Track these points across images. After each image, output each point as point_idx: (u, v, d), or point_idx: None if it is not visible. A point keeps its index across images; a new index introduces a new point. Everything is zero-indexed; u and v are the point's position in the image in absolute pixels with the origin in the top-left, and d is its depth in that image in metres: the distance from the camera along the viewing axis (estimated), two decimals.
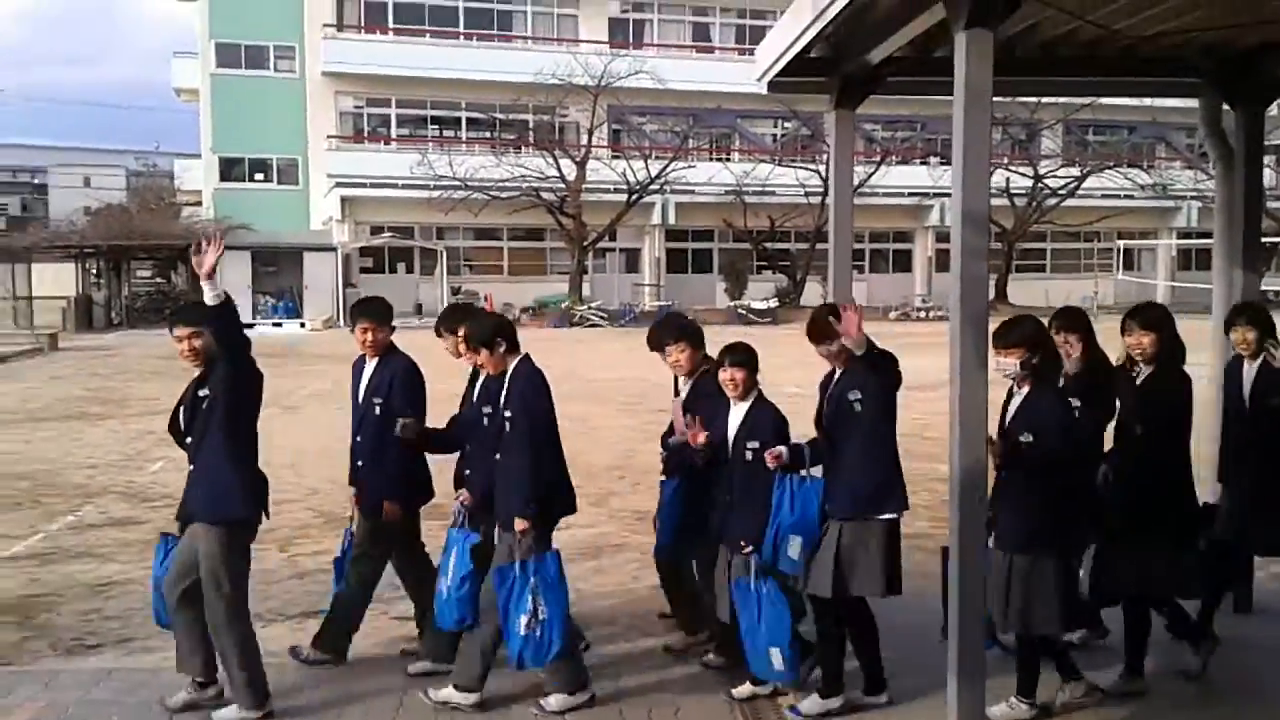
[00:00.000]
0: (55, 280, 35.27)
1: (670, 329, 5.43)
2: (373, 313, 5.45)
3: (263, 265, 33.57)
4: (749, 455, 4.76)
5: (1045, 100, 33.50)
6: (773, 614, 4.62)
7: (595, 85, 33.95)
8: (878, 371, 4.52)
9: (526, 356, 5.05)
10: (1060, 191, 38.41)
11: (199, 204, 38.71)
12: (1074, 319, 5.19)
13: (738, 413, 4.92)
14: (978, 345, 3.77)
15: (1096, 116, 38.91)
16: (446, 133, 38.84)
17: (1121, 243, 41.11)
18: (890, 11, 4.75)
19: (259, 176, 37.68)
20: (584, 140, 35.74)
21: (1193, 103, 6.62)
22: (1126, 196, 40.33)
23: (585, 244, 35.39)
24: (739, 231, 37.88)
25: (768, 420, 4.87)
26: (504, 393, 4.94)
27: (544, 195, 34.36)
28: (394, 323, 5.55)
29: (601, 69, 33.96)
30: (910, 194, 39.25)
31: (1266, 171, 33.20)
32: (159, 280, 38.93)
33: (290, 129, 36.88)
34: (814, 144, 38.49)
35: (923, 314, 36.37)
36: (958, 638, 3.83)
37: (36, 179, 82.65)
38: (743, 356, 4.93)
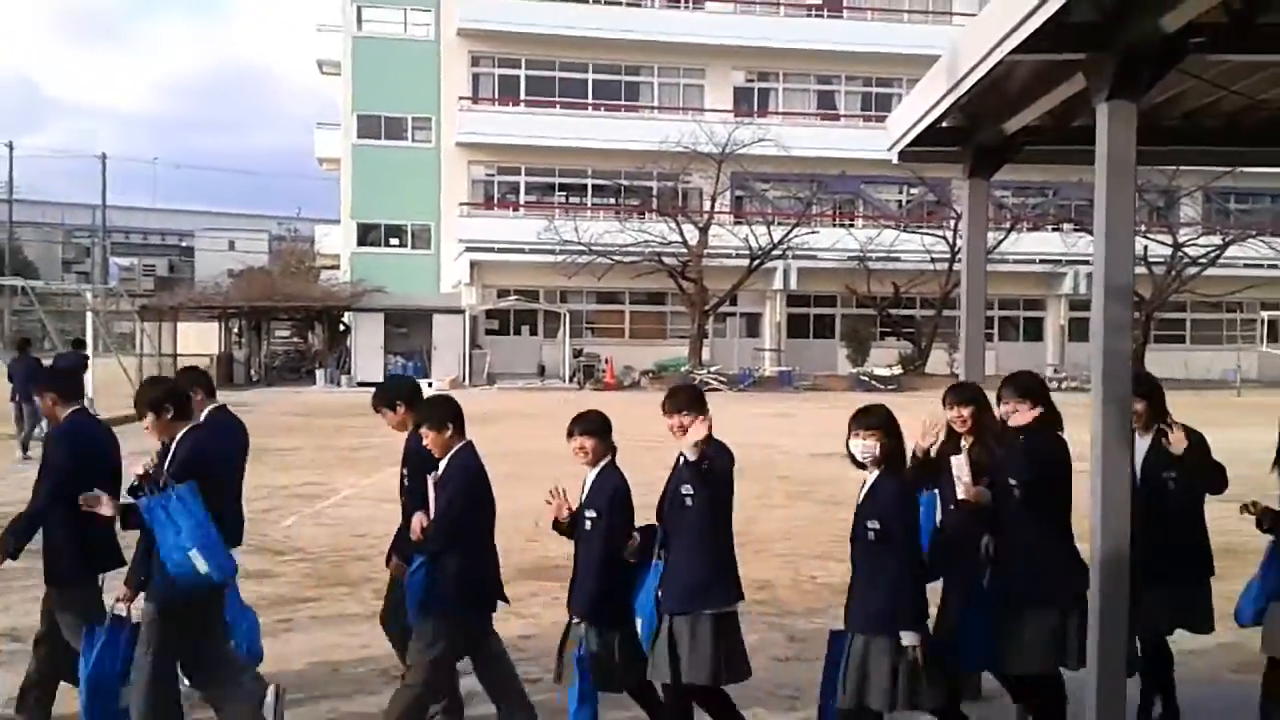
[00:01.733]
0: (199, 339, 37.02)
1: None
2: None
3: (394, 326, 34.62)
4: (587, 524, 4.94)
5: (1185, 167, 32.51)
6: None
7: (719, 152, 34.29)
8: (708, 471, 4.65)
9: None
10: (1200, 260, 37.00)
11: (337, 267, 40.31)
12: (962, 392, 5.05)
13: (587, 481, 5.03)
14: (1122, 423, 3.65)
15: (1238, 183, 37.51)
16: (573, 199, 39.68)
17: (1265, 314, 39.30)
18: (1028, 82, 4.70)
19: (394, 241, 39.10)
20: (707, 206, 36.04)
21: None
22: (1270, 266, 38.54)
23: (706, 308, 35.51)
24: (862, 297, 37.52)
25: (608, 489, 4.98)
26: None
27: (666, 260, 34.67)
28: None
29: (726, 136, 34.30)
30: (1042, 260, 38.34)
31: None
32: (296, 340, 40.54)
33: (424, 196, 38.25)
34: (940, 209, 38.03)
35: (1056, 384, 35.21)
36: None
37: (184, 242, 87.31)
38: (592, 425, 5.05)
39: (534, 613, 7.78)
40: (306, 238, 56.56)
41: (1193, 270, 37.05)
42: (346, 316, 35.91)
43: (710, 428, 4.62)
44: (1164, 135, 5.74)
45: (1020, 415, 4.49)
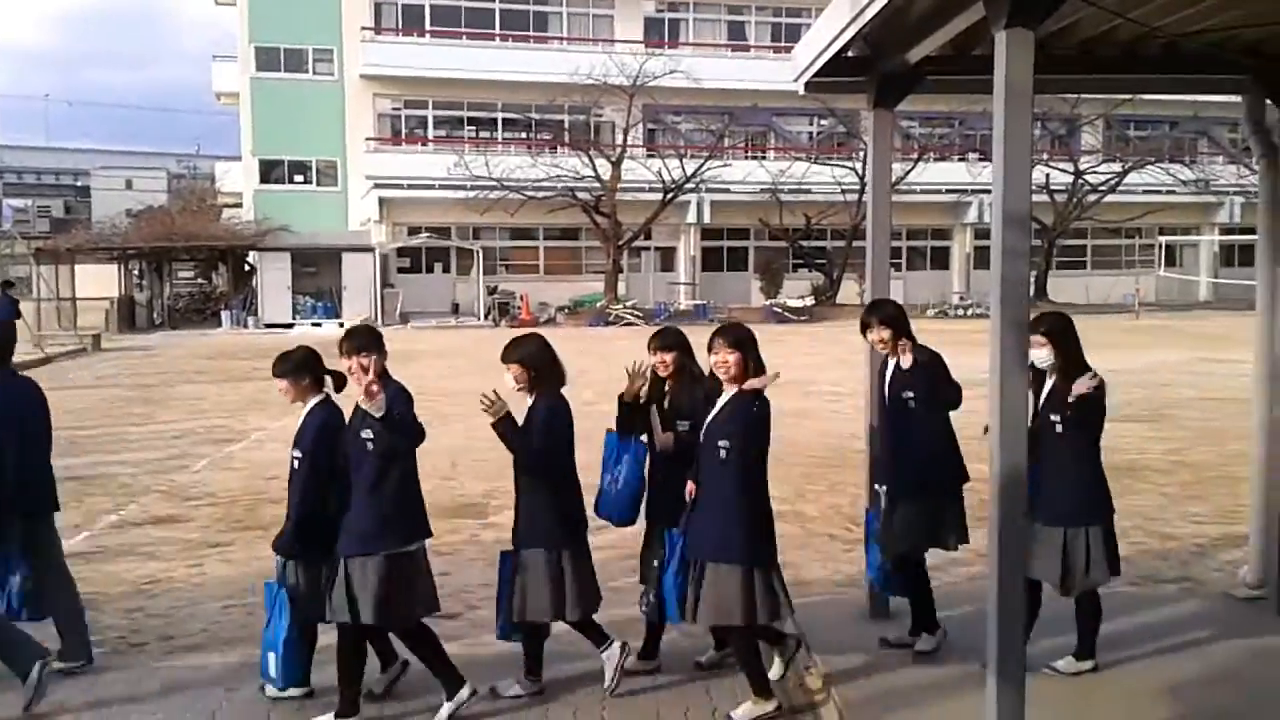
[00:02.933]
0: (98, 281, 35.81)
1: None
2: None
3: (302, 266, 33.88)
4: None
5: (1085, 95, 33.15)
6: None
7: (630, 85, 34.00)
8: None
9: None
10: (1101, 187, 37.96)
11: (239, 205, 39.17)
12: (664, 338, 5.39)
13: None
14: (1018, 347, 3.75)
15: (1137, 111, 38.39)
16: (483, 133, 39.04)
17: (1163, 239, 40.59)
18: (929, 11, 4.72)
19: (298, 178, 38.09)
20: (619, 140, 35.80)
21: (1234, 97, 6.53)
22: (1168, 192, 39.74)
23: (620, 243, 35.44)
24: (774, 230, 37.78)
25: (310, 427, 5.06)
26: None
27: (579, 195, 34.46)
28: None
29: (637, 68, 34.00)
30: (948, 191, 38.98)
31: None
32: (200, 281, 39.44)
33: (329, 131, 37.25)
34: (850, 141, 38.29)
35: (961, 311, 36.06)
36: (998, 641, 3.80)
37: (79, 181, 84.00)
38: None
39: (452, 550, 7.79)
40: (207, 175, 54.70)
41: (1093, 197, 38.04)
42: (251, 256, 35.03)
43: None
44: (1062, 64, 5.82)
45: (730, 366, 4.75)
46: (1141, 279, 38.40)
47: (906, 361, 5.26)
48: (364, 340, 4.87)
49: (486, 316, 34.38)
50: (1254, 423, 6.13)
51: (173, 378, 20.12)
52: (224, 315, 33.60)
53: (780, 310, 34.20)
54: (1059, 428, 4.94)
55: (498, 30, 38.56)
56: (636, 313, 33.57)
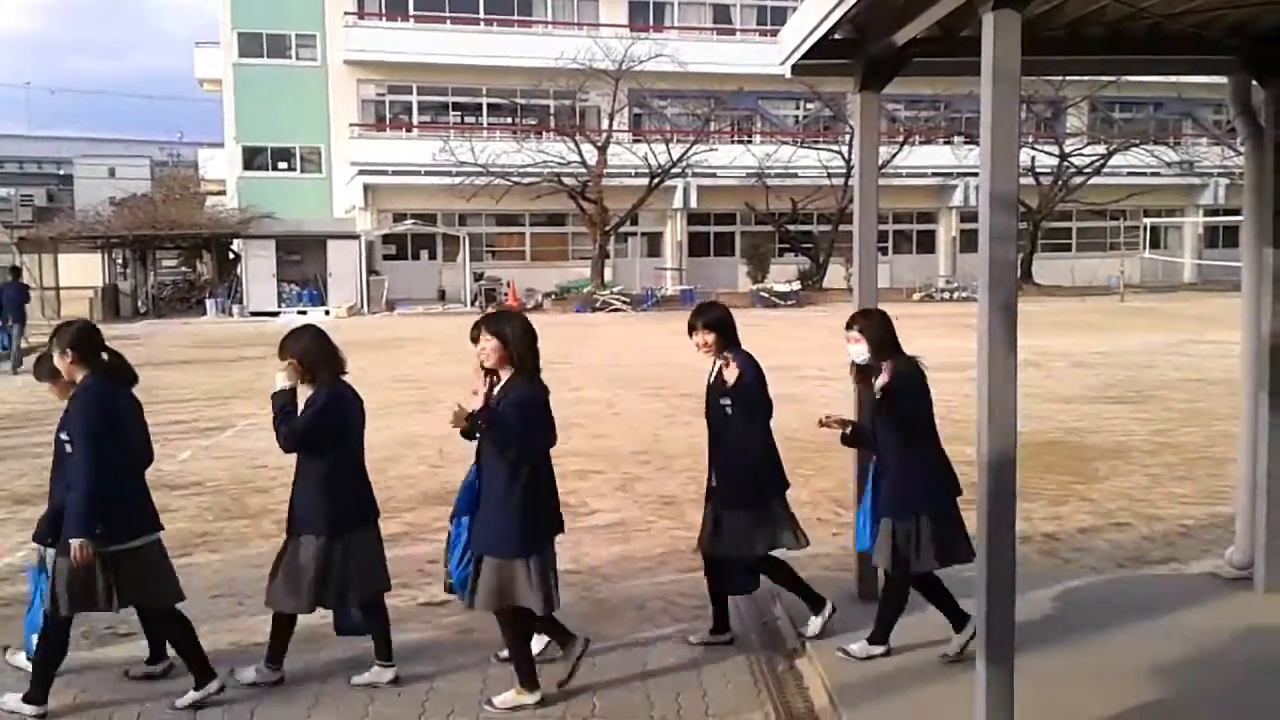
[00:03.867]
0: (82, 270, 35.61)
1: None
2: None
3: (287, 254, 33.74)
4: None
5: (1070, 77, 33.18)
6: None
7: (616, 69, 33.89)
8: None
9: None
10: (1086, 170, 38.04)
11: (223, 193, 38.93)
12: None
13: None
14: (1007, 330, 3.74)
15: (1122, 93, 38.47)
16: (468, 119, 38.89)
17: (1148, 220, 40.69)
18: None
19: (282, 165, 37.87)
20: (605, 124, 35.69)
21: (1220, 79, 6.52)
22: (1153, 174, 39.84)
23: (607, 229, 35.38)
24: (761, 214, 37.75)
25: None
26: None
27: (565, 180, 34.36)
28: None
29: (622, 52, 33.88)
30: (934, 174, 39.01)
31: None
32: (184, 269, 39.23)
33: (313, 117, 37.03)
34: (836, 125, 38.25)
35: (947, 295, 36.15)
36: (987, 627, 3.81)
37: (62, 170, 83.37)
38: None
39: (441, 537, 7.76)
40: (190, 163, 54.35)
41: (1078, 180, 38.11)
42: (236, 244, 34.84)
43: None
44: (1049, 45, 5.81)
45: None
46: (1126, 261, 38.51)
47: (730, 375, 5.24)
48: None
49: (473, 303, 34.28)
50: (1241, 404, 6.15)
51: (157, 367, 19.99)
52: (209, 304, 33.46)
53: (767, 295, 34.21)
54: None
55: (482, 14, 38.35)
56: (623, 298, 33.55)
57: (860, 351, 5.09)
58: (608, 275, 35.96)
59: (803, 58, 5.79)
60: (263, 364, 19.36)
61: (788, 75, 6.28)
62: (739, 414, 5.27)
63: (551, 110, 37.65)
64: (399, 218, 36.57)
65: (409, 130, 38.55)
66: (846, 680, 4.85)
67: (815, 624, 5.41)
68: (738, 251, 40.04)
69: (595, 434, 11.88)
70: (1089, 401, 13.64)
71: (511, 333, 4.88)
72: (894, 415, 4.99)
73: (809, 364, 17.95)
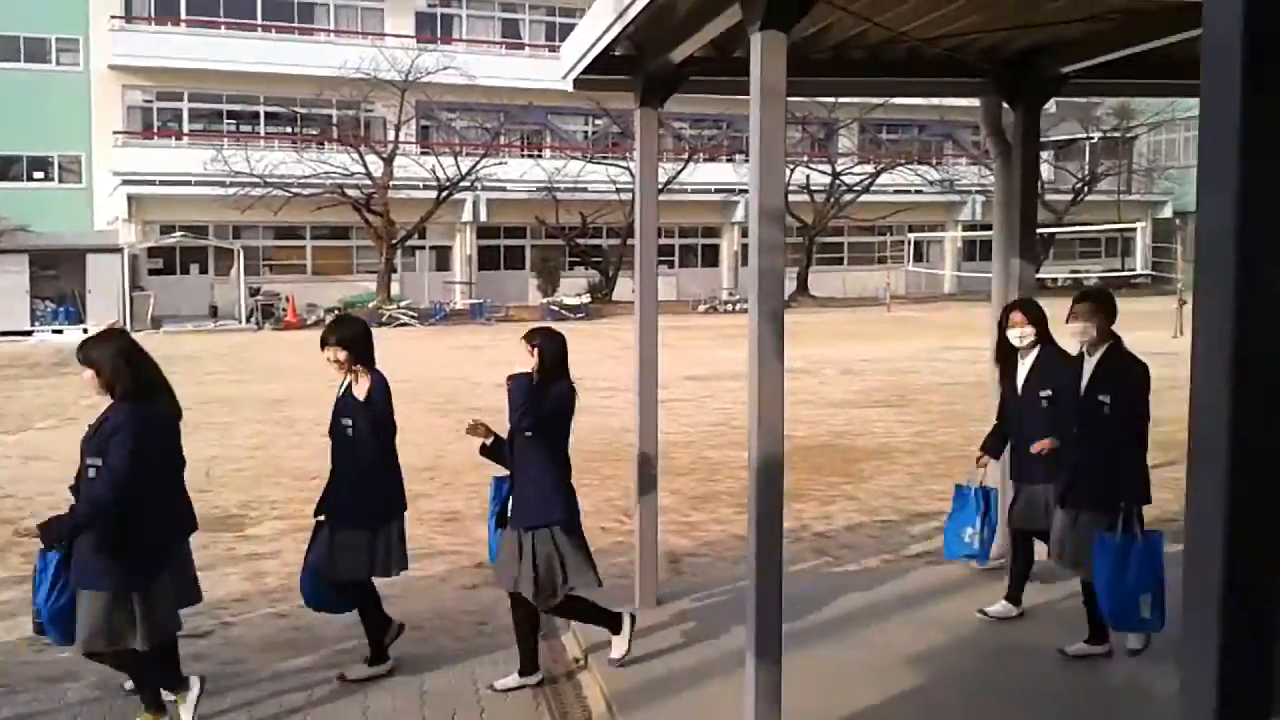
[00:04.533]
0: None
1: None
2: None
3: (41, 269, 31.35)
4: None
5: (842, 100, 34.91)
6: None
7: (402, 80, 33.29)
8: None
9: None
10: (856, 188, 40.09)
11: None
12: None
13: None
14: (775, 337, 3.88)
15: (889, 115, 40.76)
16: (243, 128, 37.27)
17: (912, 235, 43.26)
18: (689, 12, 4.82)
19: (38, 175, 35.13)
20: (391, 136, 34.97)
21: (977, 102, 7.01)
22: (916, 191, 42.45)
23: (394, 242, 34.63)
24: (551, 228, 37.88)
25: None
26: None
27: (349, 192, 33.41)
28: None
29: (408, 63, 33.32)
30: (717, 190, 40.17)
31: (1044, 165, 35.41)
32: None
33: (73, 125, 34.59)
34: (625, 141, 38.85)
35: (729, 307, 37.26)
36: (756, 624, 3.93)
37: None
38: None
39: (206, 564, 7.39)
40: None
41: (849, 197, 40.12)
42: None
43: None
44: (815, 67, 6.09)
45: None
46: (893, 273, 40.79)
47: (360, 391, 5.25)
48: None
49: (249, 319, 32.83)
50: (993, 404, 6.60)
51: None
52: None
53: (557, 308, 34.31)
54: (528, 433, 5.00)
55: (259, 20, 36.87)
56: (411, 313, 32.89)
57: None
58: (395, 289, 35.20)
59: (584, 72, 5.86)
60: (13, 385, 17.92)
61: (571, 89, 6.34)
62: (362, 433, 5.20)
63: (334, 120, 36.58)
64: (167, 230, 34.58)
65: (179, 139, 36.61)
66: (623, 688, 4.90)
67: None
68: (528, 265, 40.01)
69: None
70: (857, 406, 14.35)
71: None
72: (543, 430, 4.98)
73: (597, 375, 18.12)
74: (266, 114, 37.37)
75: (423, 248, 38.37)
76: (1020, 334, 5.59)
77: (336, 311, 33.34)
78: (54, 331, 29.79)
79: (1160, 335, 21.29)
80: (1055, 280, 42.16)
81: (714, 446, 11.45)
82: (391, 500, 5.35)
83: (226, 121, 37.36)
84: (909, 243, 43.25)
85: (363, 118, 36.56)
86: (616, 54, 5.72)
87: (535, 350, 5.00)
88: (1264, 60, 1.80)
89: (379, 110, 36.00)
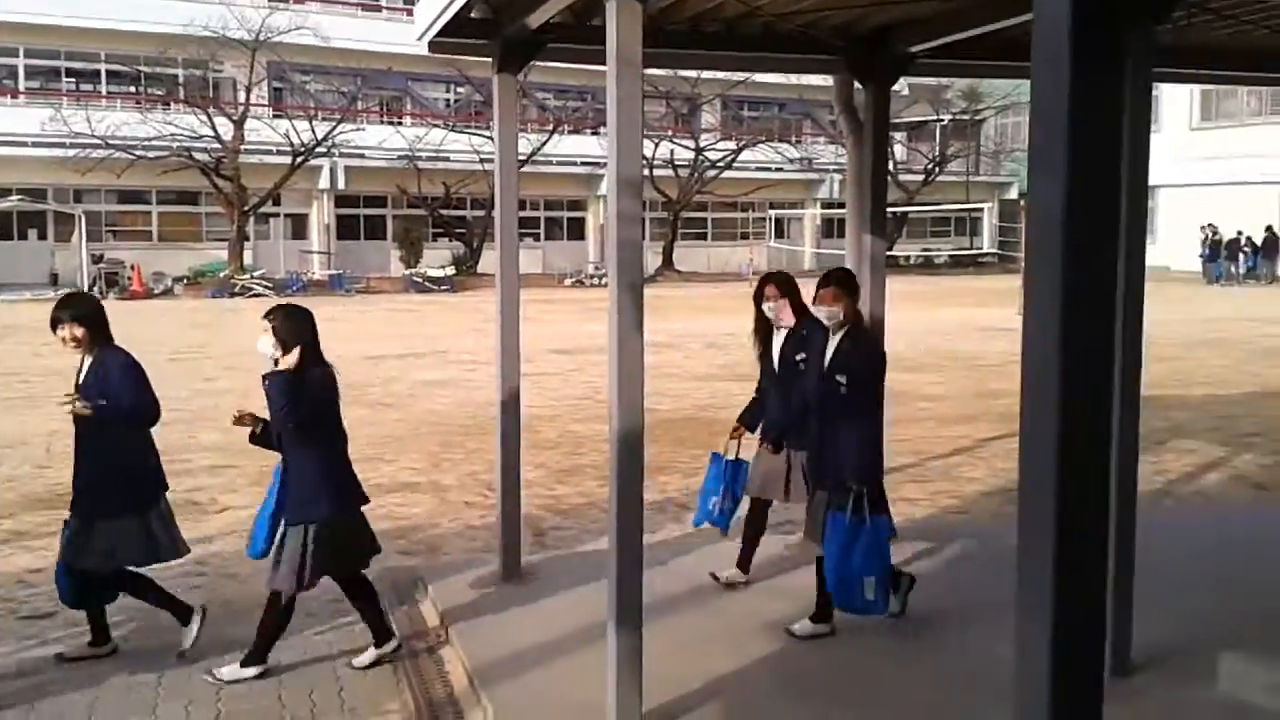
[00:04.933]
0: None
1: None
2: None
3: None
4: None
5: (704, 76, 35.16)
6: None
7: (252, 40, 32.05)
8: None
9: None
10: (719, 164, 40.50)
11: None
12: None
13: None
14: (635, 310, 3.87)
15: (751, 93, 41.26)
16: (84, 86, 35.38)
17: (773, 212, 44.07)
18: None
19: None
20: (241, 98, 33.65)
21: (833, 81, 7.12)
22: (777, 169, 43.17)
23: (246, 209, 33.39)
24: (413, 198, 37.13)
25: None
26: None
27: (197, 156, 32.04)
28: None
29: (259, 22, 32.08)
30: (583, 163, 40.01)
31: (897, 146, 36.44)
32: None
33: None
34: (488, 110, 38.22)
35: (595, 280, 37.28)
36: (617, 592, 3.95)
37: None
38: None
39: (44, 544, 7.02)
40: None
41: (712, 173, 40.53)
42: None
43: None
44: (673, 39, 6.09)
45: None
46: (755, 249, 41.45)
47: (102, 370, 4.98)
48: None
49: (92, 287, 31.25)
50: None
51: None
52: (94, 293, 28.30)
53: (420, 279, 33.73)
54: (291, 428, 4.85)
55: None
56: (265, 283, 31.81)
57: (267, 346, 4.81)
58: (248, 259, 33.97)
59: (440, 35, 5.72)
60: None
61: (425, 51, 6.18)
62: (110, 416, 4.90)
63: (180, 80, 34.96)
64: (3, 193, 32.58)
65: (14, 97, 34.46)
66: (485, 660, 4.86)
67: (189, 634, 5.15)
68: (390, 235, 39.15)
69: (228, 427, 11.15)
70: (721, 379, 14.54)
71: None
72: (304, 422, 4.82)
73: (459, 348, 17.91)
74: (108, 72, 35.56)
75: (277, 215, 37.14)
76: (772, 307, 5.82)
77: (103, 280, 32.08)
78: None
79: (1005, 312, 22.22)
80: (908, 258, 43.59)
81: (579, 420, 11.44)
82: (153, 485, 5.12)
83: (65, 80, 35.45)
84: (770, 219, 44.04)
85: (211, 78, 35.07)
86: (473, 16, 5.61)
87: (271, 330, 4.76)
88: (1092, 44, 1.86)
89: (228, 71, 34.58)
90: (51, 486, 8.57)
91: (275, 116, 34.58)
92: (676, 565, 6.22)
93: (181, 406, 11.29)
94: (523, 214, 6.11)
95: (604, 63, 4.00)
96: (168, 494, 5.27)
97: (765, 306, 5.79)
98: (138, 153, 30.95)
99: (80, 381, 4.99)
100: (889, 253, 7.06)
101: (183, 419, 10.97)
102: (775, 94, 43.31)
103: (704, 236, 44.66)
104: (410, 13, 35.90)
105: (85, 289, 30.75)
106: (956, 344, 18.73)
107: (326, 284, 32.76)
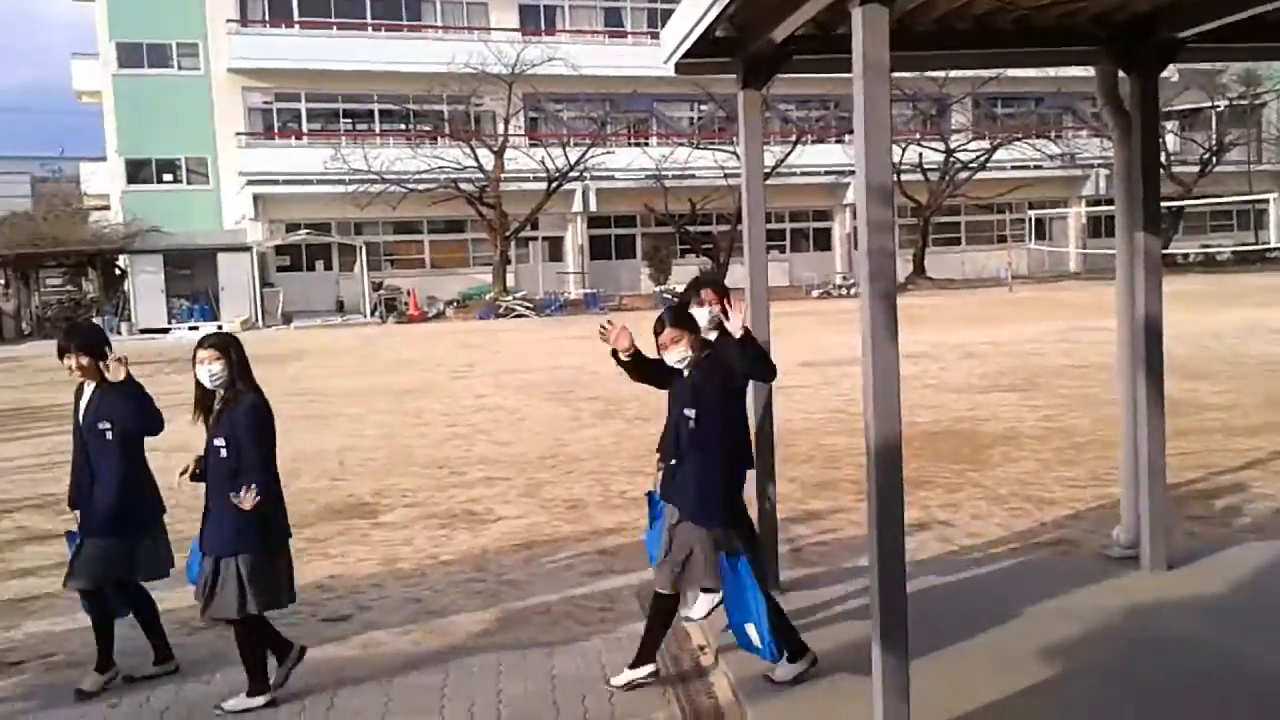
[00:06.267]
0: None
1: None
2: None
3: (176, 268, 32.81)
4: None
5: (953, 75, 34.04)
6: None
7: (509, 73, 33.72)
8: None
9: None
10: (971, 165, 39.07)
11: (107, 208, 37.64)
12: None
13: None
14: (888, 319, 3.79)
15: (1004, 89, 39.59)
16: (359, 126, 38.30)
17: (1032, 213, 42.01)
18: None
19: (167, 177, 36.74)
20: (500, 129, 35.48)
21: (1093, 72, 6.71)
22: (1036, 167, 41.14)
23: (507, 234, 35.16)
24: (660, 216, 37.94)
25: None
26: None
27: (462, 186, 34.07)
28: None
29: (514, 56, 33.73)
30: (827, 172, 39.64)
31: (1169, 137, 34.01)
32: (69, 288, 37.78)
33: (197, 127, 36.04)
34: (731, 126, 38.58)
35: (843, 291, 36.77)
36: (881, 611, 3.85)
37: None
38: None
39: (341, 551, 7.62)
40: (72, 178, 52.45)
41: (964, 175, 39.12)
42: (122, 259, 33.71)
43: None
44: (921, 40, 5.92)
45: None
46: (1014, 252, 39.66)
47: (109, 393, 5.13)
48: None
49: (373, 313, 33.76)
50: (1118, 387, 6.35)
51: (41, 389, 19.24)
52: (96, 322, 32.27)
53: (670, 296, 34.34)
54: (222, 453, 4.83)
55: (369, 20, 37.78)
56: (526, 304, 33.37)
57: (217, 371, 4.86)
58: (510, 281, 35.75)
59: (685, 56, 5.80)
60: (153, 381, 18.73)
61: (673, 73, 6.30)
62: (117, 438, 5.11)
63: (445, 115, 37.27)
64: (292, 228, 35.79)
65: (299, 138, 37.78)
66: (750, 674, 4.86)
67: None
68: (639, 253, 40.16)
69: (500, 441, 11.78)
70: (980, 391, 13.98)
71: None
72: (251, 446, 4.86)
73: None
74: (380, 111, 38.30)
75: (535, 239, 38.89)
76: (708, 313, 5.14)
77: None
78: (190, 328, 31.16)
79: None
80: (1186, 256, 40.46)
81: (833, 433, 11.28)
82: (151, 503, 5.30)
83: (343, 120, 38.43)
84: (1030, 220, 42.02)
85: (473, 112, 37.16)
86: (717, 35, 5.65)
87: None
88: None
89: (488, 104, 36.52)
90: (345, 498, 9.29)
91: (531, 145, 36.24)
92: (942, 585, 6.01)
93: (459, 422, 11.98)
94: (768, 226, 6.09)
95: (849, 70, 3.95)
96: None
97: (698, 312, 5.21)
98: (410, 186, 33.18)
99: (89, 402, 5.21)
100: (1164, 251, 6.57)
101: (460, 434, 11.67)
102: (1031, 88, 41.29)
103: (957, 241, 43.17)
104: (654, 36, 37.10)
105: (367, 315, 33.27)
106: (1245, 348, 17.23)
107: (582, 303, 33.94)
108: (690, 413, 4.70)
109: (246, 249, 33.37)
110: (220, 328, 31.06)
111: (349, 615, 6.24)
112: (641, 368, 5.07)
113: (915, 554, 6.34)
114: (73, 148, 74.30)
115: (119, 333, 31.51)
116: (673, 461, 4.82)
